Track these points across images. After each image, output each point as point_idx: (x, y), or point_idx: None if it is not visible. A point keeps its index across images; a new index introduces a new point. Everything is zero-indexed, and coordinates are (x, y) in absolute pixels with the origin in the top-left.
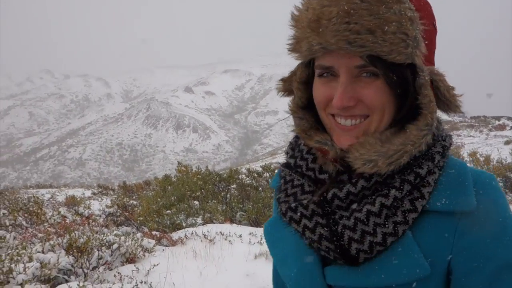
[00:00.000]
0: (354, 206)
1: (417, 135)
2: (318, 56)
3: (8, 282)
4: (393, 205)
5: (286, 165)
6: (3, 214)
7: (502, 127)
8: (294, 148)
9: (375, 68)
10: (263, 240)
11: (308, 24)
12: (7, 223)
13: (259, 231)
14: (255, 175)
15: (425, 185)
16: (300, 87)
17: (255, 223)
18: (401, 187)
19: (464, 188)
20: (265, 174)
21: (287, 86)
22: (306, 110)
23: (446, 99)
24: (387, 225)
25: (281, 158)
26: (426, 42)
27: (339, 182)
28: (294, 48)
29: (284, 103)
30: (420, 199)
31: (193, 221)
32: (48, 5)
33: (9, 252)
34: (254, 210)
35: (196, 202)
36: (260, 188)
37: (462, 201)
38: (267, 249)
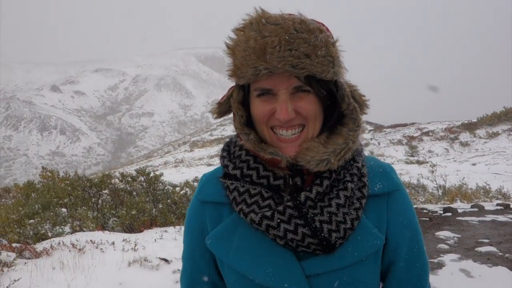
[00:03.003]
0: (320, 203)
1: (353, 134)
2: (257, 80)
3: None
4: (351, 195)
5: (231, 177)
6: None
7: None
8: (232, 159)
9: (309, 86)
10: (138, 247)
11: (254, 52)
12: None
13: (133, 237)
14: (129, 179)
15: (363, 175)
16: (240, 106)
17: (129, 229)
18: (353, 180)
19: (388, 174)
20: (140, 178)
21: (222, 108)
22: (249, 127)
23: (360, 104)
24: (351, 212)
25: (158, 161)
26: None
27: (295, 185)
28: (235, 73)
29: (160, 104)
30: (365, 187)
31: (60, 230)
32: None
33: None
34: (128, 216)
35: (64, 210)
36: (135, 193)
37: (391, 184)
38: (141, 256)
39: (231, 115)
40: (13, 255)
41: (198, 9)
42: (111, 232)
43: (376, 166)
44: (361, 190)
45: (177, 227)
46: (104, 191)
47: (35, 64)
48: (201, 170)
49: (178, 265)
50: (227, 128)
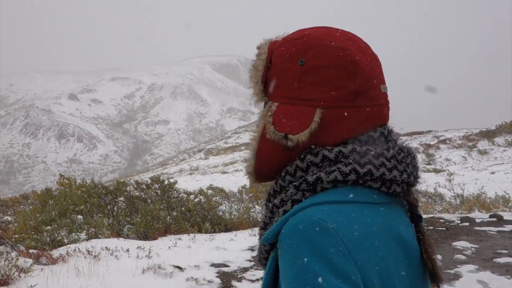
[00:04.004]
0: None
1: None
2: None
3: None
4: (266, 217)
5: None
6: None
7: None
8: None
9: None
10: (152, 254)
11: None
12: None
13: (148, 244)
14: (143, 187)
15: (276, 214)
16: None
17: (144, 237)
18: (267, 208)
19: (275, 225)
20: (154, 186)
21: None
22: None
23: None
24: (264, 229)
25: (173, 169)
26: (271, 82)
27: None
28: None
29: (176, 112)
30: (269, 224)
31: (76, 236)
32: None
33: None
34: (142, 223)
35: (80, 217)
36: (149, 201)
37: (266, 234)
38: (156, 263)
39: (246, 122)
40: (30, 261)
41: (212, 17)
42: (126, 239)
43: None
44: (267, 224)
45: (191, 234)
46: (119, 199)
47: (53, 73)
48: (215, 178)
49: (192, 273)
50: (242, 136)
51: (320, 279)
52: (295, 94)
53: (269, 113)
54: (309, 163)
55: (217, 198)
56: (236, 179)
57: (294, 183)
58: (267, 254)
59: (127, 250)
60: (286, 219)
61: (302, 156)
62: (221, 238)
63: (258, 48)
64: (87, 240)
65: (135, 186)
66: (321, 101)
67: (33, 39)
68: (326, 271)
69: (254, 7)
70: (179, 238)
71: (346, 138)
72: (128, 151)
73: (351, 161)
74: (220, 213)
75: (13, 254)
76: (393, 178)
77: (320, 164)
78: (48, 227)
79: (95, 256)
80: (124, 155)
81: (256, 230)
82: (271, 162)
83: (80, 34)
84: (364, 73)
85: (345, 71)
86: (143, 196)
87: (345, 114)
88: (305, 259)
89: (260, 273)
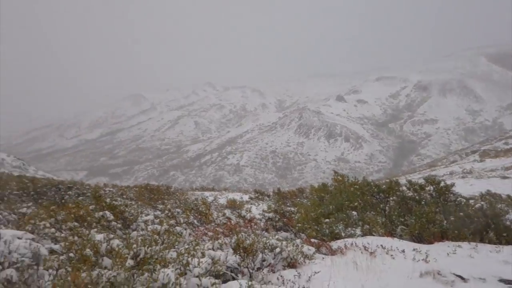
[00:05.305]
0: None
1: None
2: None
3: (185, 273)
4: None
5: None
6: (178, 212)
7: None
8: None
9: None
10: (429, 258)
11: None
12: (181, 221)
13: (424, 247)
14: (417, 187)
15: None
16: None
17: (418, 239)
18: None
19: None
20: (428, 188)
21: None
22: None
23: None
24: None
25: (442, 171)
26: None
27: None
28: None
29: (445, 110)
30: None
31: (352, 231)
32: (206, 28)
33: (186, 247)
34: (417, 225)
35: (354, 213)
36: (423, 202)
37: None
38: (434, 269)
39: None
40: (312, 249)
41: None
42: (400, 240)
43: None
44: None
45: (472, 243)
46: (391, 198)
47: (322, 76)
48: (493, 183)
49: (476, 285)
50: None
51: None
52: None
53: None
54: None
55: (501, 205)
56: None
57: None
58: None
59: (403, 251)
60: None
61: None
62: (510, 251)
63: None
64: (362, 236)
65: (408, 186)
66: None
67: (303, 45)
68: None
69: None
70: (459, 246)
71: None
72: (393, 151)
73: None
74: (508, 223)
75: (298, 241)
76: None
77: None
78: (327, 220)
79: (371, 252)
80: (389, 155)
81: None
82: None
83: (344, 36)
84: None
85: None
86: (416, 197)
87: None
88: None
89: None
